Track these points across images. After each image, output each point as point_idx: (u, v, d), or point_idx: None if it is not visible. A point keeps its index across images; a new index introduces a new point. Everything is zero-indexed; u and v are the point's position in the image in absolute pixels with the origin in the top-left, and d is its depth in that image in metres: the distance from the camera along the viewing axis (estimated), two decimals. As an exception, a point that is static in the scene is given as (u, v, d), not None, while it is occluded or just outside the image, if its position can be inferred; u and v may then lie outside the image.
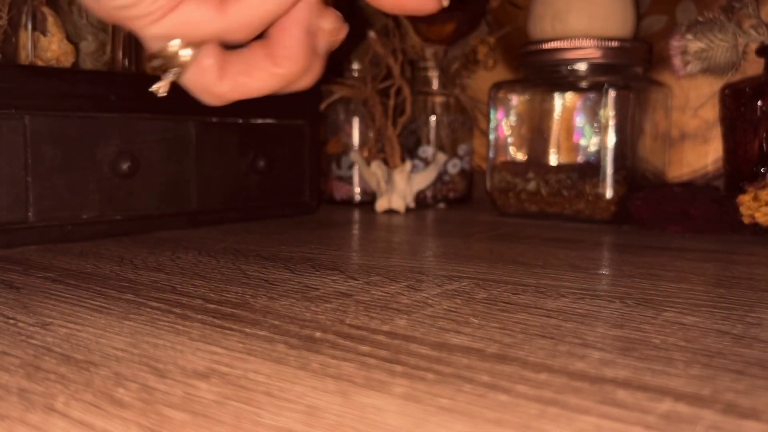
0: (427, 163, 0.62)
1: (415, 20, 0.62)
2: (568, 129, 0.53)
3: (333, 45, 0.22)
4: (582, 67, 0.52)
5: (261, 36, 0.22)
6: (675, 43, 0.54)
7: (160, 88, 0.22)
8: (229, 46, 0.22)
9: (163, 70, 0.22)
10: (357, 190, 0.62)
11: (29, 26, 0.40)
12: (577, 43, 0.52)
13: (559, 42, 0.52)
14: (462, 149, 0.64)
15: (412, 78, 0.63)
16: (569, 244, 0.41)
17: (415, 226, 0.50)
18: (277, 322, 0.23)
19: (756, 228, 0.43)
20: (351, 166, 0.62)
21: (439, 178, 0.63)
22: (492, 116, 0.57)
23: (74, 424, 0.15)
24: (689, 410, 0.15)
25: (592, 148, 0.52)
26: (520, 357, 0.19)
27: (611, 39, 0.51)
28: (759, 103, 0.47)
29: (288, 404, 0.16)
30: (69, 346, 0.20)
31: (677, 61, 0.55)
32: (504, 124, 0.56)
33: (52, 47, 0.40)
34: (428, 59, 0.63)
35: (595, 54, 0.52)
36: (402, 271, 0.32)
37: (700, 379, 0.17)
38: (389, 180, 0.58)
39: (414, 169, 0.61)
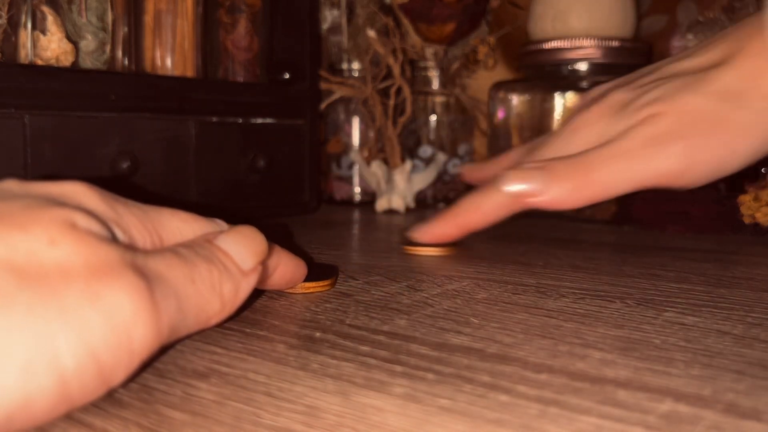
0: (427, 163, 0.62)
1: (416, 20, 0.62)
2: (569, 129, 0.53)
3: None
4: (583, 66, 0.52)
5: None
6: (676, 44, 0.54)
7: None
8: None
9: None
10: (357, 190, 0.62)
11: (29, 25, 0.40)
12: (577, 42, 0.52)
13: (559, 42, 0.52)
14: (462, 149, 0.64)
15: (412, 78, 0.63)
16: (570, 244, 0.41)
17: (415, 226, 0.50)
18: (276, 322, 0.23)
19: (757, 228, 0.43)
20: (351, 166, 0.62)
21: (440, 178, 0.63)
22: (492, 116, 0.57)
23: (73, 424, 0.15)
24: (690, 410, 0.15)
25: (593, 148, 0.52)
26: (520, 357, 0.19)
27: (612, 39, 0.51)
28: (759, 103, 0.47)
29: (288, 404, 0.16)
30: (68, 346, 0.20)
31: (678, 61, 0.55)
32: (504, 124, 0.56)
33: (51, 46, 0.40)
34: (428, 59, 0.63)
35: (595, 54, 0.52)
36: (402, 271, 0.32)
37: (701, 380, 0.17)
38: (389, 180, 0.58)
39: (414, 169, 0.61)
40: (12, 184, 0.18)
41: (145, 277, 0.16)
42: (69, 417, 0.15)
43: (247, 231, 0.21)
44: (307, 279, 0.27)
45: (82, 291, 0.15)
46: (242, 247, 0.20)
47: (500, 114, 0.56)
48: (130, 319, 0.15)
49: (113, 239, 0.17)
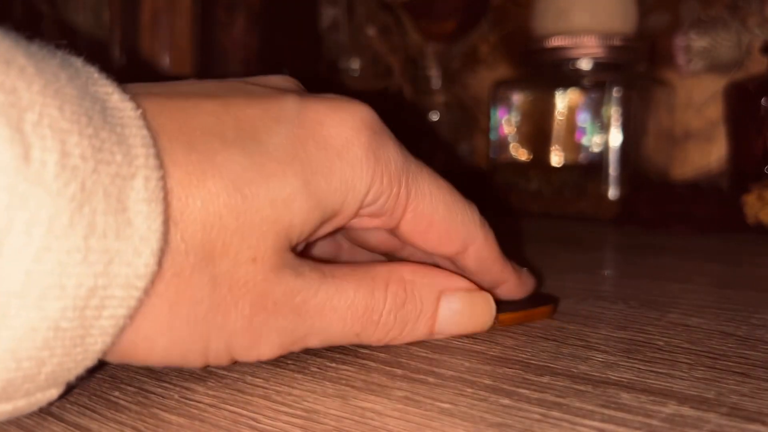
0: (428, 162, 0.62)
1: (417, 18, 0.61)
2: (571, 128, 0.53)
3: None
4: (585, 64, 0.52)
5: None
6: (678, 41, 0.53)
7: None
8: None
9: None
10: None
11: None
12: (579, 40, 0.51)
13: (561, 39, 0.52)
14: (463, 148, 0.64)
15: (412, 76, 0.63)
16: (572, 245, 0.40)
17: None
18: (276, 324, 0.22)
19: (760, 228, 0.42)
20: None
21: (441, 177, 0.62)
22: (493, 115, 0.57)
23: (69, 428, 0.15)
24: (694, 413, 0.15)
25: (595, 148, 0.52)
26: (522, 359, 0.19)
27: (614, 36, 0.51)
28: (763, 101, 0.47)
29: (286, 408, 0.16)
30: (65, 348, 0.20)
31: (681, 59, 0.55)
32: (505, 122, 0.56)
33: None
34: (429, 57, 0.63)
35: (597, 51, 0.51)
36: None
37: (705, 382, 0.17)
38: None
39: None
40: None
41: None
42: (64, 420, 0.15)
43: (480, 306, 0.20)
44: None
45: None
46: (456, 320, 0.20)
47: (501, 113, 0.56)
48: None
49: None
